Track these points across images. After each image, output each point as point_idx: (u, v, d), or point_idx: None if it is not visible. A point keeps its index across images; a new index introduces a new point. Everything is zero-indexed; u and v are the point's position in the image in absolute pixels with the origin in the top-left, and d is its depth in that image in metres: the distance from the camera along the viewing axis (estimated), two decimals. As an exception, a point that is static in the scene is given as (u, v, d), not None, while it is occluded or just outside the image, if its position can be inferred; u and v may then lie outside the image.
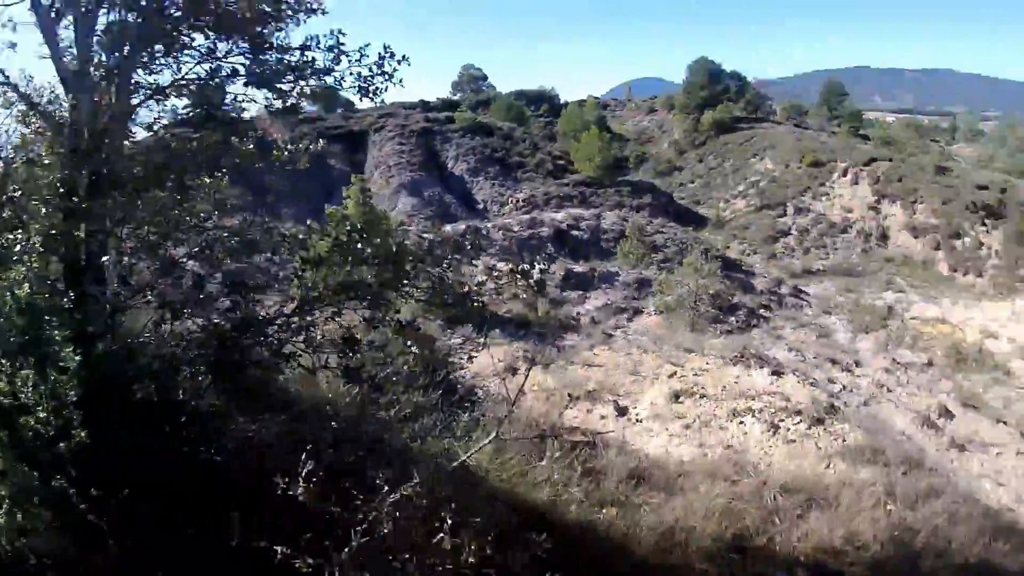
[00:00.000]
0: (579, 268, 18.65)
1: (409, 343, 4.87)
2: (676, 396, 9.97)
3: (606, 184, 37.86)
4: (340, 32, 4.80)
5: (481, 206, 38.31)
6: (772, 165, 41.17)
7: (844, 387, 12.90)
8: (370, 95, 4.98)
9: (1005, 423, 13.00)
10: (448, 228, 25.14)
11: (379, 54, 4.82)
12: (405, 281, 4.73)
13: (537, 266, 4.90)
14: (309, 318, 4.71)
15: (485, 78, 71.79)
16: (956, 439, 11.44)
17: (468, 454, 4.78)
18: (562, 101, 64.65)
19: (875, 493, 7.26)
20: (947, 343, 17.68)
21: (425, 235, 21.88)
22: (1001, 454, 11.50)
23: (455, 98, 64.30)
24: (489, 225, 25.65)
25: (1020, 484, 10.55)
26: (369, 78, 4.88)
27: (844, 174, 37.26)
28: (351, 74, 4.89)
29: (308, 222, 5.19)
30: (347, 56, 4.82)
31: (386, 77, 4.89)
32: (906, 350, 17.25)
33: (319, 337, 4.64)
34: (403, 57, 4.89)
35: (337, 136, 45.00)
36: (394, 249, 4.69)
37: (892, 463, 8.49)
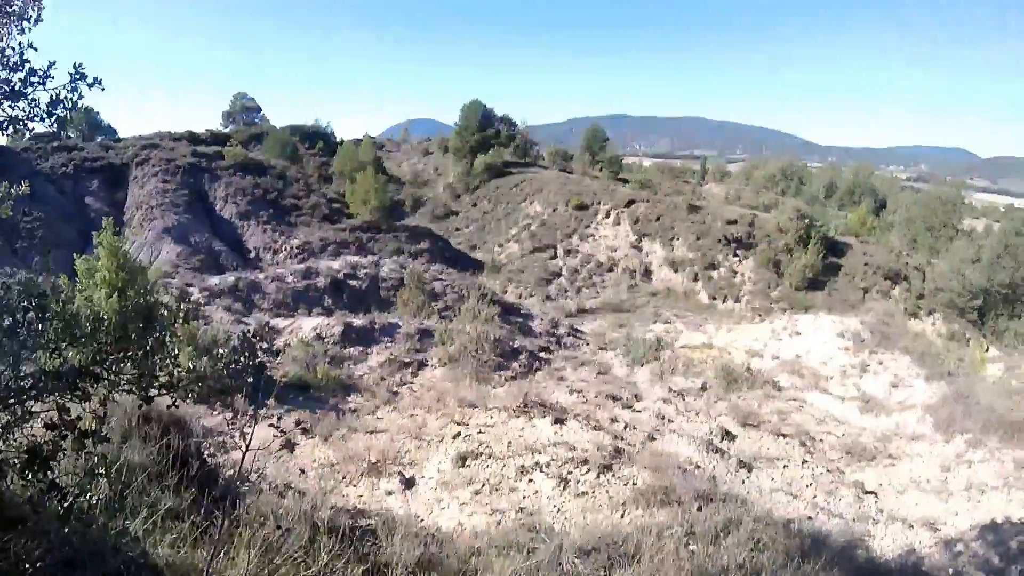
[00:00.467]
0: (359, 322, 17.75)
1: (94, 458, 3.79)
2: (463, 459, 9.57)
3: (384, 229, 37.35)
4: (29, 45, 3.80)
5: (253, 254, 35.70)
6: (541, 208, 43.54)
7: (627, 424, 13.32)
8: (59, 125, 3.98)
9: (785, 435, 14.26)
10: (216, 280, 22.92)
11: (70, 75, 3.86)
12: (101, 365, 3.67)
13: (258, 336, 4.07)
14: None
15: (259, 110, 68.24)
16: (742, 459, 12.18)
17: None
18: (338, 139, 63.50)
19: (675, 536, 7.27)
20: (717, 366, 18.98)
21: (190, 287, 19.32)
22: (788, 466, 12.44)
23: (226, 130, 60.32)
24: (261, 276, 23.82)
25: (811, 492, 11.55)
26: (55, 104, 3.88)
27: (607, 215, 40.48)
28: (33, 101, 3.86)
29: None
30: (37, 75, 3.80)
31: (71, 105, 3.94)
32: (680, 377, 18.38)
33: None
34: (96, 79, 3.97)
35: (96, 169, 39.67)
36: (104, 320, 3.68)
37: (685, 500, 8.66)
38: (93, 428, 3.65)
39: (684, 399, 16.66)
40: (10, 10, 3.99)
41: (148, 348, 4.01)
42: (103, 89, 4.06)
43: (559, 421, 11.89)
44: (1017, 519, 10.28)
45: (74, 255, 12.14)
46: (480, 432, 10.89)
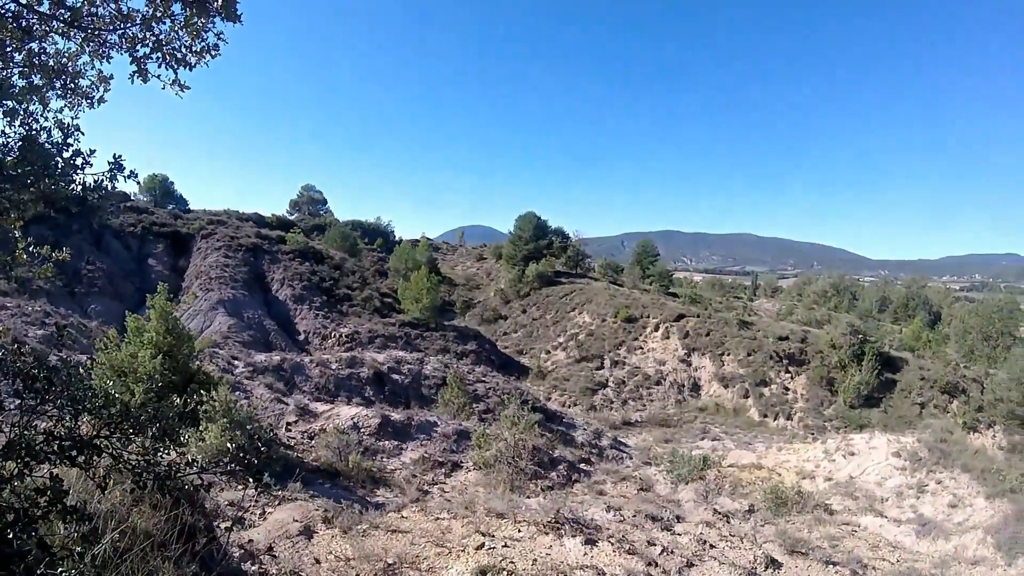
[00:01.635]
0: (396, 416, 17.45)
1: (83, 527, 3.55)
2: (483, 573, 8.93)
3: (432, 327, 37.59)
4: (77, 127, 3.89)
5: (302, 337, 36.24)
6: (590, 319, 43.38)
7: (664, 548, 12.39)
8: (86, 214, 4.04)
9: (835, 564, 13.09)
10: (262, 357, 23.13)
11: (109, 163, 3.90)
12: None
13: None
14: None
15: (325, 202, 71.80)
16: (789, 590, 11.18)
17: None
18: (396, 237, 65.55)
19: None
20: (766, 488, 17.95)
21: (236, 360, 19.40)
22: (838, 597, 11.38)
23: (291, 218, 63.38)
24: (307, 359, 23.96)
25: (863, 624, 10.40)
26: (92, 190, 3.90)
27: (656, 329, 39.97)
28: (71, 183, 3.90)
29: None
30: (81, 157, 3.85)
31: (104, 193, 3.96)
32: (726, 498, 17.32)
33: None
34: (132, 172, 4.00)
35: (163, 234, 41.92)
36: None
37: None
38: (76, 505, 3.50)
39: (729, 522, 15.55)
40: (75, 87, 4.12)
41: (153, 433, 3.94)
42: (138, 183, 4.16)
43: (591, 542, 11.13)
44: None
45: (126, 312, 12.47)
46: (505, 546, 10.24)
